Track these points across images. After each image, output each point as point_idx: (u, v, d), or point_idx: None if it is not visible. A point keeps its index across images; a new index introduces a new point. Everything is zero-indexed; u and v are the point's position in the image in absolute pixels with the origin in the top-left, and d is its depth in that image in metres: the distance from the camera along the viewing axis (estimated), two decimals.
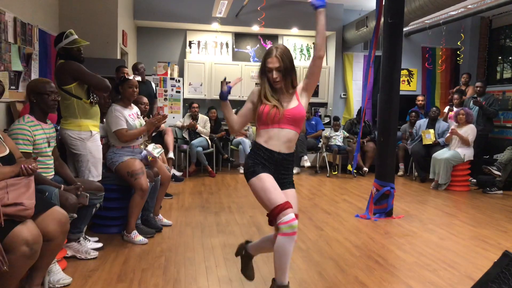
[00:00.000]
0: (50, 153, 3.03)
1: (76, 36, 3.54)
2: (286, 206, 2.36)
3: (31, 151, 2.87)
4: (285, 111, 2.51)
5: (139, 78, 5.63)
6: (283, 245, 2.37)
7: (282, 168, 2.56)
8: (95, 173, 3.54)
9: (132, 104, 4.05)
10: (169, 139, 6.39)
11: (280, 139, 2.52)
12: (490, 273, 1.85)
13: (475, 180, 6.81)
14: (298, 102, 2.56)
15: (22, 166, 2.39)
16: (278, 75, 2.51)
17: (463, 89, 7.77)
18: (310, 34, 9.01)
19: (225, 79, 2.69)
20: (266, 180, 2.44)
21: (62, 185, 2.94)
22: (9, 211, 2.17)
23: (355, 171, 7.75)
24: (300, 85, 2.62)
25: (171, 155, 6.32)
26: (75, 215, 2.87)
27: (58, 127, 3.62)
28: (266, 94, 2.54)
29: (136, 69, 6.01)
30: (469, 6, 7.08)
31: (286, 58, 2.52)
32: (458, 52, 8.65)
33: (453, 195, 6.24)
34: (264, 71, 2.56)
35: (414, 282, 3.06)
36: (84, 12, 6.06)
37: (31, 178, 2.38)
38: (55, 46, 3.57)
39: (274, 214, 2.36)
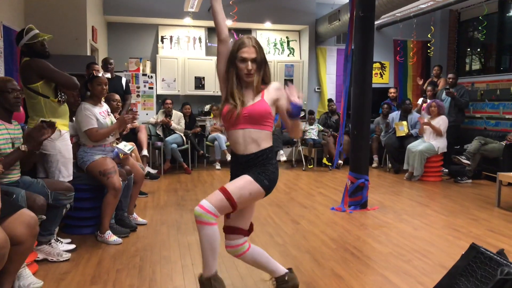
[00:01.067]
0: None
1: (37, 31, 3.42)
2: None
3: None
4: (242, 110, 2.27)
5: (108, 75, 5.52)
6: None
7: (254, 167, 2.31)
8: (66, 173, 3.44)
9: (102, 102, 3.96)
10: (143, 136, 6.30)
11: (240, 142, 2.32)
12: (458, 266, 1.89)
13: (447, 170, 6.97)
14: (261, 98, 2.31)
15: None
16: (253, 67, 2.28)
17: (435, 81, 7.92)
18: (284, 28, 9.02)
19: None
20: None
21: (24, 146, 2.80)
22: None
23: (330, 164, 7.82)
24: (273, 94, 2.35)
25: (145, 152, 6.23)
26: (44, 217, 2.79)
27: (26, 127, 3.50)
28: (232, 89, 2.30)
29: (108, 64, 5.89)
30: None
31: (261, 49, 2.33)
32: (428, 44, 8.80)
33: (426, 186, 6.36)
34: (233, 63, 2.31)
35: (389, 272, 3.10)
36: (51, 7, 5.89)
37: None
38: (17, 44, 3.44)
39: None
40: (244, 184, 2.28)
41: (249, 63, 2.27)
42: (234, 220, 2.45)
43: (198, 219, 2.26)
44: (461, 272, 1.84)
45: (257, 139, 2.31)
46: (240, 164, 2.36)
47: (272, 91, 2.36)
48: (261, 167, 2.32)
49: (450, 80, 7.39)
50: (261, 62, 2.31)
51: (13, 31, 5.00)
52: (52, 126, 2.96)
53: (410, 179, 6.72)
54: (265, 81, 2.37)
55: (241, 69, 2.29)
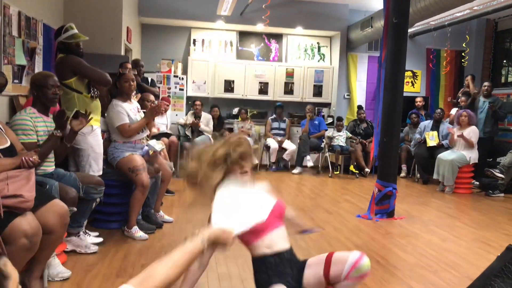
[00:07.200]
0: None
1: (75, 31, 3.52)
2: None
3: (36, 141, 2.86)
4: (277, 207, 2.11)
5: (135, 72, 5.63)
6: None
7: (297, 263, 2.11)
8: (96, 168, 3.52)
9: (132, 99, 4.05)
10: (173, 147, 6.40)
11: (282, 237, 2.10)
12: (494, 267, 1.83)
13: (478, 183, 6.79)
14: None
15: (23, 158, 2.39)
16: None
17: (468, 91, 7.74)
18: (315, 34, 9.00)
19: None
20: None
21: (58, 131, 2.88)
22: (9, 203, 2.17)
23: (357, 171, 7.73)
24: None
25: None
26: (75, 209, 2.86)
27: None
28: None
29: (138, 65, 6.01)
30: (475, 8, 7.05)
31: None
32: (463, 54, 8.61)
33: (455, 198, 6.21)
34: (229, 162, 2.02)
35: (414, 282, 3.04)
36: (89, 8, 6.05)
37: (31, 171, 2.38)
38: (54, 39, 3.56)
39: None
40: None
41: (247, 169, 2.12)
42: None
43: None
44: (496, 273, 1.79)
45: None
46: (287, 262, 2.07)
47: None
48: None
49: (486, 87, 7.20)
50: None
51: (52, 29, 5.16)
52: (85, 116, 3.05)
53: (443, 190, 6.56)
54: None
55: (234, 169, 2.08)
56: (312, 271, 2.06)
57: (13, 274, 0.93)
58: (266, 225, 2.01)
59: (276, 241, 2.05)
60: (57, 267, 2.78)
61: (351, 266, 1.95)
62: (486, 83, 7.26)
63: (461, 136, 6.54)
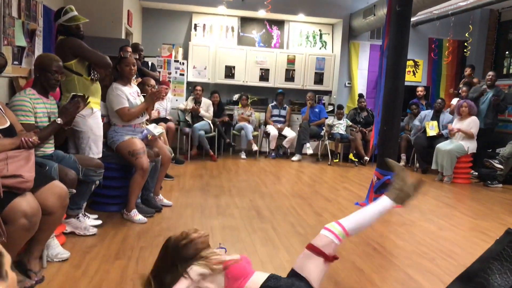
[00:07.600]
0: None
1: (75, 13, 3.48)
2: None
3: (33, 122, 2.85)
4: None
5: (136, 56, 5.59)
6: None
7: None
8: (95, 150, 3.52)
9: (132, 84, 4.03)
10: (170, 133, 6.37)
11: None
12: (492, 250, 1.85)
13: (476, 173, 6.80)
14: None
15: (23, 139, 2.39)
16: None
17: (468, 81, 7.71)
18: (317, 21, 8.94)
19: None
20: None
21: (59, 119, 2.92)
22: (8, 183, 2.17)
23: (356, 160, 7.74)
24: None
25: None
26: (74, 191, 2.86)
27: (60, 103, 3.60)
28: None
29: (137, 50, 5.96)
30: None
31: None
32: (465, 44, 8.56)
33: (454, 187, 6.23)
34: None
35: (411, 270, 3.06)
36: None
37: (31, 151, 2.38)
38: (54, 22, 3.53)
39: None
40: None
41: None
42: None
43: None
44: (494, 256, 1.81)
45: None
46: (280, 279, 2.09)
47: None
48: None
49: (490, 77, 7.15)
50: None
51: (52, 11, 5.11)
52: (84, 100, 3.04)
53: (441, 180, 6.57)
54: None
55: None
56: (311, 268, 2.12)
57: (5, 254, 0.96)
58: (248, 269, 2.07)
59: (261, 271, 2.11)
60: (56, 248, 2.80)
61: (330, 232, 2.27)
62: (490, 73, 7.21)
63: (459, 130, 6.55)
